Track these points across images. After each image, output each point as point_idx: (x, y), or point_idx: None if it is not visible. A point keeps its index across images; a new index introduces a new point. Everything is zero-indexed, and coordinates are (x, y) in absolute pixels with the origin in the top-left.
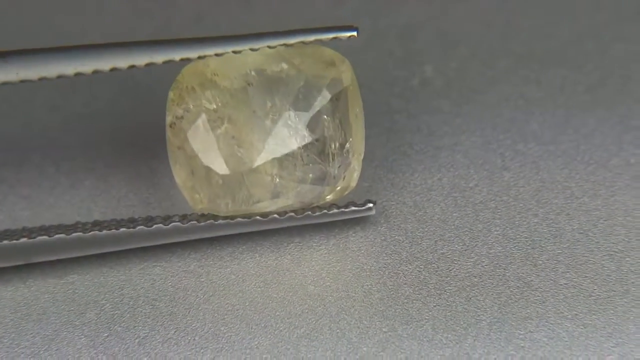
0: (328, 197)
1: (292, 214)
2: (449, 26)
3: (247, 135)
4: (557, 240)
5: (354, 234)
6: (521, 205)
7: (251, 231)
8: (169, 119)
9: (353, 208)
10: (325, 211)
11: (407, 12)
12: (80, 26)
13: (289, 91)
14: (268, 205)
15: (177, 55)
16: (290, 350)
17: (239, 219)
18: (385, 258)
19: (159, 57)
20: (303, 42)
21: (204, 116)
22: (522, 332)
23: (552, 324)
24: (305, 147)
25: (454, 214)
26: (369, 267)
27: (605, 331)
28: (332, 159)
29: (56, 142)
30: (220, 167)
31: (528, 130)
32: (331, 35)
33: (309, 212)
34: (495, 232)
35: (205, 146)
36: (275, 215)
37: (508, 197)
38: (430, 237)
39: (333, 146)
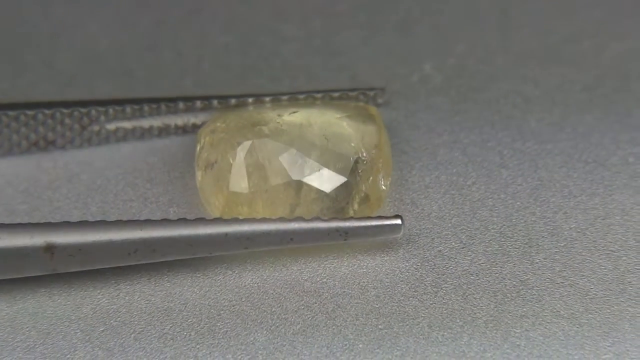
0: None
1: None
2: (448, 24)
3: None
4: (554, 238)
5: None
6: (519, 203)
7: (276, 249)
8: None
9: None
10: (352, 222)
11: (405, 9)
12: (78, 16)
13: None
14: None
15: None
16: (286, 347)
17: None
18: (382, 255)
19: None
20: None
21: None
22: (518, 331)
23: (548, 322)
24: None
25: (452, 212)
26: (365, 264)
27: (602, 330)
28: (358, 176)
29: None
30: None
31: (526, 129)
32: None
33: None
34: (493, 230)
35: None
36: (297, 224)
37: (506, 195)
38: (427, 235)
39: (359, 168)
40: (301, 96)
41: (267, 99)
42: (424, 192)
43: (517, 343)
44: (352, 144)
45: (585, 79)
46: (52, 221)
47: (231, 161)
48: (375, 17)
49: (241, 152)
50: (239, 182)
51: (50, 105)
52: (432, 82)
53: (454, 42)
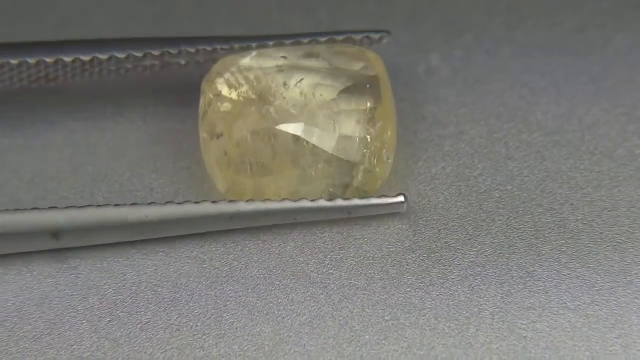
0: (357, 181)
1: (322, 201)
2: (455, 15)
3: (280, 105)
4: (560, 230)
5: (356, 222)
6: (525, 194)
7: (281, 223)
8: (203, 101)
9: (384, 200)
10: (356, 200)
11: (412, 0)
12: (80, 6)
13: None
14: (293, 184)
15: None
16: (292, 338)
17: (268, 205)
18: (388, 246)
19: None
20: (334, 40)
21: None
22: (524, 322)
23: (554, 314)
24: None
25: (458, 203)
26: (371, 255)
27: (608, 322)
28: (365, 148)
29: (59, 127)
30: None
31: (533, 120)
32: (360, 36)
33: (340, 200)
34: (499, 222)
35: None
36: (305, 203)
37: (512, 186)
38: (433, 226)
39: (368, 138)
40: (305, 40)
41: (271, 43)
42: (430, 183)
43: (524, 335)
44: (358, 124)
45: (591, 70)
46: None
47: (237, 143)
48: (381, 7)
49: (248, 134)
50: (245, 167)
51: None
52: (438, 73)
53: (460, 33)
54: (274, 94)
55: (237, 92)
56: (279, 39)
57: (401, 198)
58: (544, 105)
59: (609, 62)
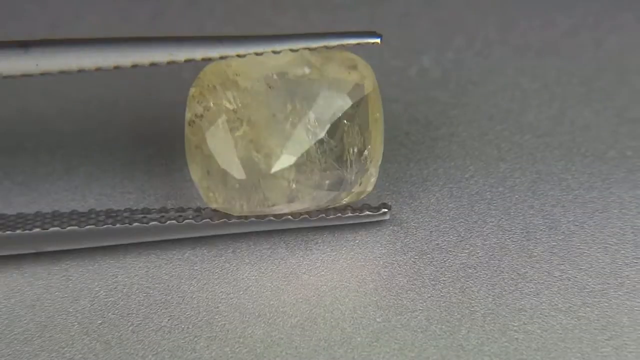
0: (344, 200)
1: (306, 215)
2: (447, 16)
3: (265, 140)
4: (552, 232)
5: (348, 224)
6: (517, 196)
7: (263, 230)
8: (188, 115)
9: (367, 212)
10: (339, 214)
11: (404, 1)
12: (75, 5)
13: (310, 95)
14: (283, 208)
15: (198, 54)
16: (283, 340)
17: (253, 219)
18: (380, 248)
19: (180, 55)
20: (326, 47)
21: (223, 116)
22: (516, 324)
23: (546, 316)
24: (324, 152)
25: (450, 205)
26: (363, 257)
27: (600, 324)
28: (350, 165)
29: (51, 129)
30: (237, 171)
31: (524, 122)
32: (355, 41)
33: (323, 215)
34: (491, 224)
35: (223, 148)
36: (289, 217)
37: (504, 188)
38: (425, 228)
39: (351, 152)
40: (298, 43)
41: (263, 47)
42: (422, 185)
43: (515, 336)
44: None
45: (583, 72)
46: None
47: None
48: (374, 9)
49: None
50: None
51: None
52: (430, 75)
53: (452, 35)
54: (261, 123)
55: (222, 120)
56: (271, 41)
57: (384, 210)
58: (535, 107)
59: (600, 64)
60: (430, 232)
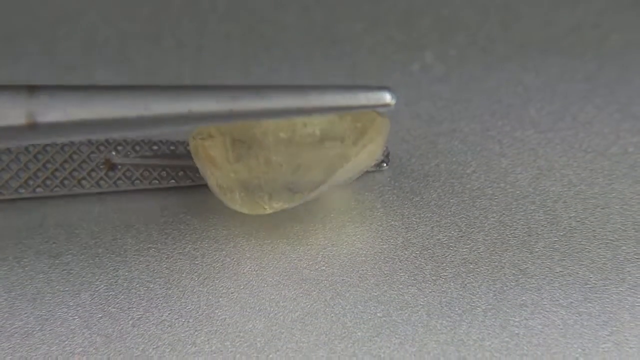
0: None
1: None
2: (449, 13)
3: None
4: (553, 227)
5: (350, 219)
6: (518, 192)
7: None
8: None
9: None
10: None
11: None
12: (76, 3)
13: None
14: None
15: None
16: (284, 334)
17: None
18: (381, 243)
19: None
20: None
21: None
22: (517, 319)
23: (547, 311)
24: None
25: (451, 200)
26: (364, 252)
27: (601, 319)
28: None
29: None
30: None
31: (526, 118)
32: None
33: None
34: (492, 219)
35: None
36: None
37: (505, 184)
38: (426, 223)
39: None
40: (309, 96)
41: (273, 96)
42: (424, 180)
43: (516, 332)
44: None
45: (585, 69)
46: None
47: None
48: (377, 6)
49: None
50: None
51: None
52: (433, 71)
53: (455, 31)
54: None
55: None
56: (282, 91)
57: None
58: (537, 103)
59: (603, 61)
60: (432, 227)
